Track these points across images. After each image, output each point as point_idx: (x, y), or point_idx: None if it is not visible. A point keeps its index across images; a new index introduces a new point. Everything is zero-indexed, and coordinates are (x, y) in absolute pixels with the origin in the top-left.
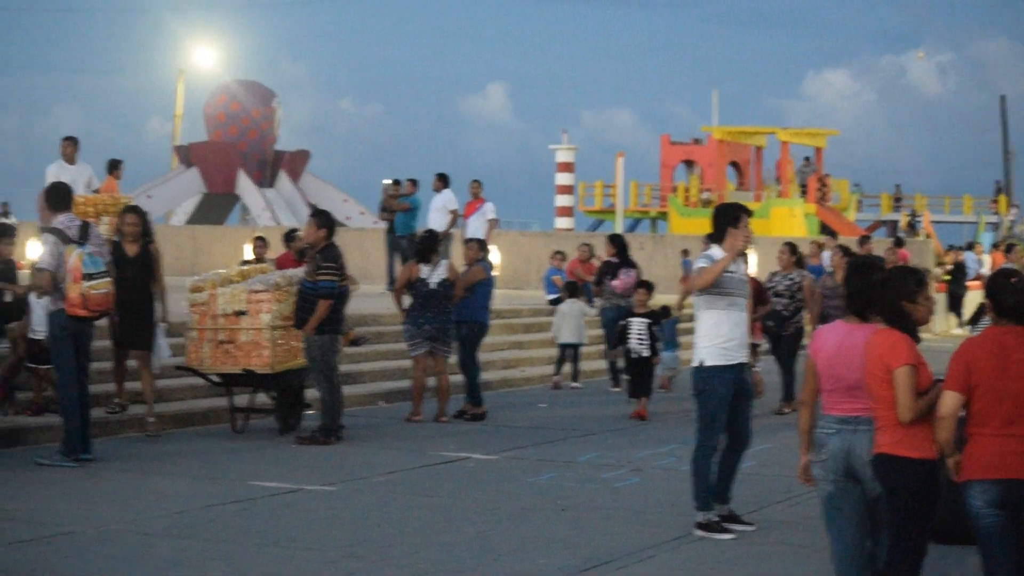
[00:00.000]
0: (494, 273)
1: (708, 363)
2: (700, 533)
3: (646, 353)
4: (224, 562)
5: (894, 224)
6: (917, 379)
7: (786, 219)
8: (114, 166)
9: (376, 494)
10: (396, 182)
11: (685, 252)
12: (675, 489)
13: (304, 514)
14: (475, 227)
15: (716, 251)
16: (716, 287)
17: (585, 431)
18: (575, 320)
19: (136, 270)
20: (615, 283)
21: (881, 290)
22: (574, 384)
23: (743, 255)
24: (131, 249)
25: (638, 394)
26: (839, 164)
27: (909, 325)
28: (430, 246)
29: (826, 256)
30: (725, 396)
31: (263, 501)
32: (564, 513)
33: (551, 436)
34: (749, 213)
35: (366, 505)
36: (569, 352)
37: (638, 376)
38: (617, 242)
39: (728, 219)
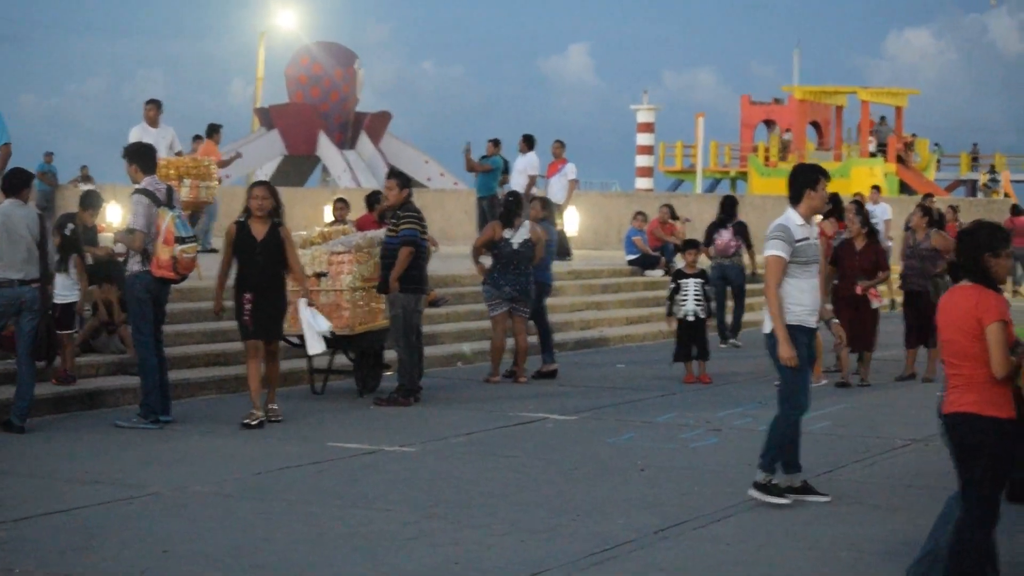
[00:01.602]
0: (571, 234)
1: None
2: (756, 493)
3: (703, 314)
4: (303, 523)
5: (973, 183)
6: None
7: (866, 178)
8: (213, 131)
9: (454, 455)
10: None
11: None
12: (753, 449)
13: (382, 475)
14: (557, 187)
15: (793, 215)
16: (794, 255)
17: (664, 391)
18: None
19: (265, 254)
20: (718, 243)
21: (965, 243)
22: None
23: (825, 217)
24: (259, 230)
25: (700, 357)
26: (920, 124)
27: (992, 280)
28: (515, 208)
29: (870, 207)
30: (803, 358)
31: (342, 462)
32: (642, 473)
33: (629, 396)
34: (827, 176)
35: (444, 466)
36: None
37: (695, 339)
38: (723, 203)
39: (806, 181)
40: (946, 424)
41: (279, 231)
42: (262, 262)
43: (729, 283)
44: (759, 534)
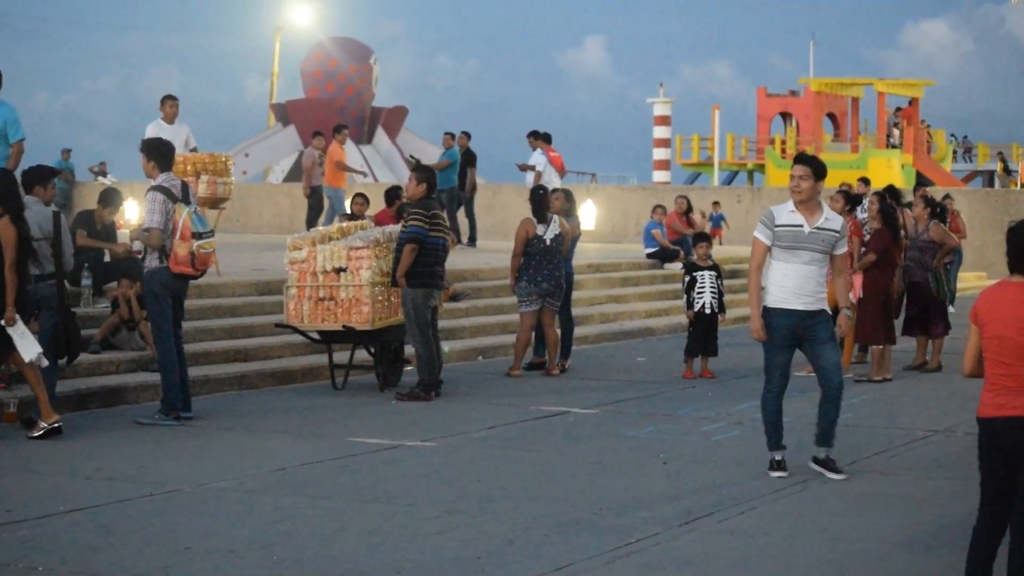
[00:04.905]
0: (585, 228)
1: (765, 305)
2: (773, 473)
3: (717, 308)
4: (325, 519)
5: (991, 174)
6: None
7: (883, 170)
8: (338, 130)
9: (476, 449)
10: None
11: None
12: None
13: (405, 470)
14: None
15: (789, 203)
16: (775, 239)
17: (684, 384)
18: None
19: None
20: None
21: (1016, 238)
22: None
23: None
24: None
25: (708, 352)
26: (937, 115)
27: None
28: (545, 202)
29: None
30: (775, 340)
31: (364, 457)
32: (665, 467)
33: (650, 390)
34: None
35: (466, 461)
36: None
37: (709, 333)
38: None
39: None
40: (996, 428)
41: None
42: None
43: None
44: (783, 526)
